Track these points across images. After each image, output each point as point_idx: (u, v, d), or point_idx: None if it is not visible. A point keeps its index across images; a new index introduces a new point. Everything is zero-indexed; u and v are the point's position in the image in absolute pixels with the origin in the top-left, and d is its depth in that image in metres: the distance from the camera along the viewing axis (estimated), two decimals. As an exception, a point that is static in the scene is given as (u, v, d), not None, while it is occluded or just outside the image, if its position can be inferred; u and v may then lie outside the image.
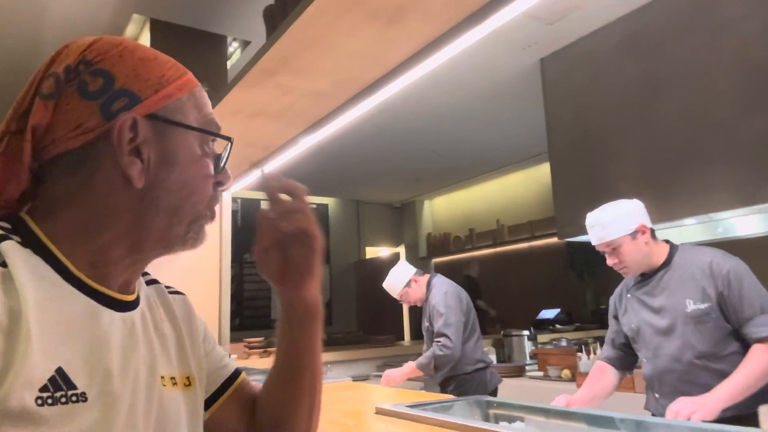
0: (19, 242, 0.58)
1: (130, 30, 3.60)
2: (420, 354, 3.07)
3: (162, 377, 0.67)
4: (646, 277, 1.96)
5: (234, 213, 6.87)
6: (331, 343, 5.22)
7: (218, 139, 0.72)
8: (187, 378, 0.71)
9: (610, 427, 1.38)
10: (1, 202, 0.62)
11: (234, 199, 7.10)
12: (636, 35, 3.15)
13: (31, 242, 0.59)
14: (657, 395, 1.89)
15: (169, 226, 0.66)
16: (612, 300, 2.16)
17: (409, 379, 3.07)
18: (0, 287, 0.52)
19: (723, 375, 1.73)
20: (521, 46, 3.62)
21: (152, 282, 0.76)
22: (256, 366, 3.74)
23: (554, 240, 5.05)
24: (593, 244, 1.98)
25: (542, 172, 6.24)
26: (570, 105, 3.55)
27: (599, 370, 2.08)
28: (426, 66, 1.86)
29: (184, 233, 0.67)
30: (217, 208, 0.73)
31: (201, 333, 0.79)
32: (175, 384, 0.69)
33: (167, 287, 0.78)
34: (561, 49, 3.64)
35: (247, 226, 7.57)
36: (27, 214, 0.62)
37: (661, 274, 1.90)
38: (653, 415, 1.93)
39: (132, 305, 0.67)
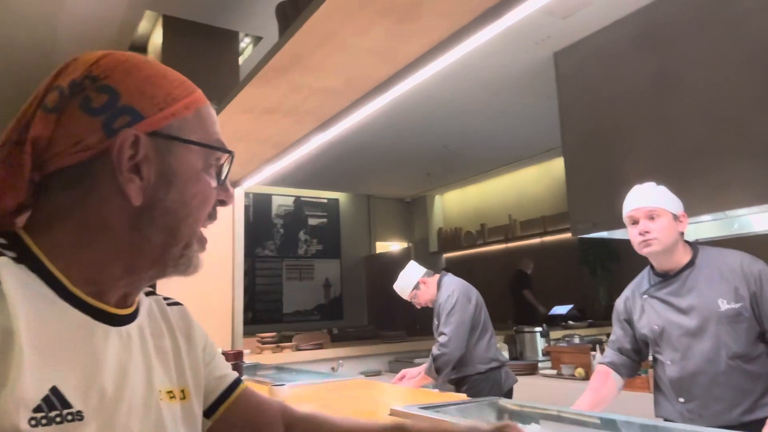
0: (13, 258, 0.57)
1: (143, 26, 3.61)
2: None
3: (160, 391, 0.66)
4: (667, 277, 1.89)
5: (246, 208, 6.94)
6: (341, 338, 5.24)
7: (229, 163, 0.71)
8: (182, 391, 0.71)
9: None
10: None
11: (246, 194, 7.14)
12: (650, 29, 3.11)
13: (26, 258, 0.58)
14: (682, 399, 1.81)
15: (165, 246, 0.65)
16: (620, 303, 2.08)
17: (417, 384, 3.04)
18: None
19: (755, 377, 1.70)
20: (534, 40, 3.58)
21: (151, 294, 0.76)
22: (269, 361, 3.76)
23: (567, 235, 5.02)
24: (633, 206, 1.91)
25: (555, 166, 6.20)
26: (584, 100, 3.51)
27: (603, 375, 2.02)
28: (439, 63, 1.84)
29: (179, 256, 0.66)
30: (225, 209, 0.72)
31: (200, 343, 0.78)
32: (172, 397, 0.68)
33: (165, 298, 0.78)
34: (574, 44, 3.60)
35: (259, 221, 7.61)
36: (23, 229, 0.62)
37: (686, 274, 1.85)
38: (666, 421, 1.86)
39: (129, 318, 0.66)
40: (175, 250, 0.65)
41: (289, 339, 4.54)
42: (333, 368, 3.94)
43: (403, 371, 3.01)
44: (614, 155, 3.27)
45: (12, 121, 0.62)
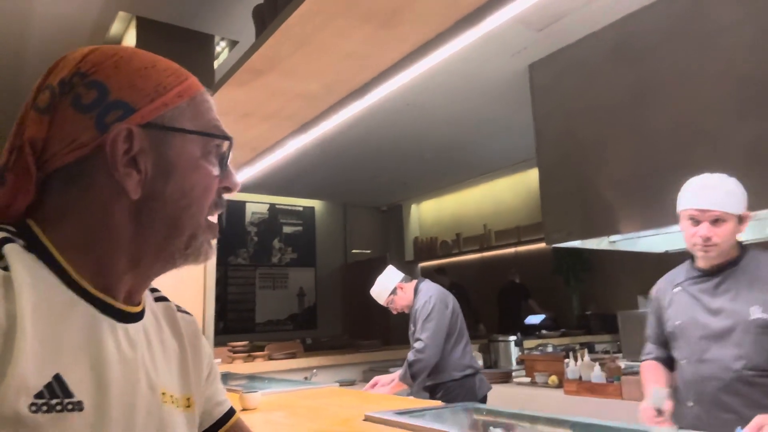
0: (23, 246, 0.57)
1: (115, 28, 3.54)
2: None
3: (163, 393, 0.65)
4: (706, 274, 1.79)
5: (219, 215, 6.84)
6: (316, 348, 5.18)
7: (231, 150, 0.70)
8: (187, 399, 0.70)
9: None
10: (8, 215, 0.61)
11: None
12: (625, 42, 3.17)
13: (35, 247, 0.58)
14: (690, 403, 1.74)
15: (168, 238, 0.64)
16: (654, 293, 1.96)
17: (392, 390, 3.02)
18: (1, 292, 0.52)
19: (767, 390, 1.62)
20: (510, 51, 3.62)
21: (162, 299, 0.75)
22: (240, 371, 3.69)
23: (541, 245, 5.07)
24: (697, 205, 1.75)
25: (530, 177, 6.26)
26: (559, 111, 3.56)
27: (654, 365, 1.90)
28: (417, 69, 1.85)
29: (184, 248, 0.65)
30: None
31: (206, 360, 0.77)
32: (173, 402, 0.67)
33: (177, 306, 0.77)
34: (550, 55, 3.65)
35: (232, 228, 7.50)
36: (32, 220, 0.62)
37: (726, 274, 1.74)
38: (679, 427, 1.74)
39: (136, 317, 0.66)
40: (178, 242, 0.65)
41: (261, 348, 4.47)
42: (306, 378, 3.89)
43: (376, 378, 2.98)
44: (588, 166, 3.32)
45: (13, 127, 0.62)
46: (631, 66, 3.11)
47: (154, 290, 0.75)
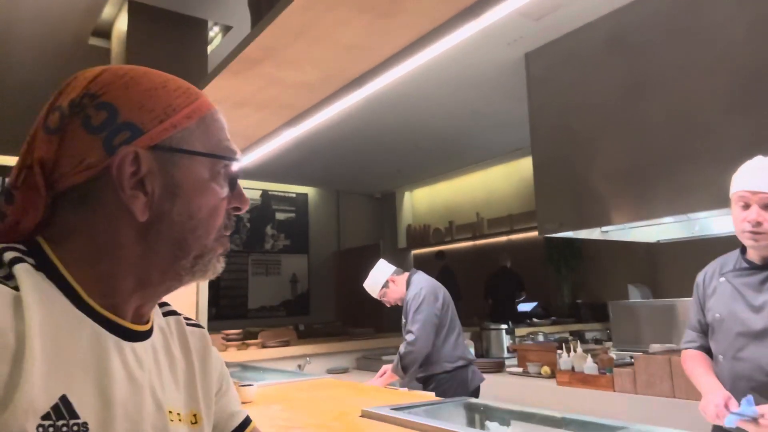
0: (33, 265, 0.58)
1: (107, 11, 3.48)
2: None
3: (170, 412, 0.65)
4: (754, 267, 1.68)
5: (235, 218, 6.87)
6: (308, 335, 5.19)
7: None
8: (194, 415, 0.70)
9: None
10: (18, 231, 0.62)
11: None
12: (621, 33, 3.16)
13: (44, 266, 0.59)
14: None
15: (175, 259, 0.64)
16: (699, 279, 1.84)
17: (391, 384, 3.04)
18: (11, 311, 0.52)
19: None
20: (506, 40, 3.59)
21: (171, 313, 0.75)
22: (234, 359, 3.70)
23: (533, 234, 5.09)
24: (749, 187, 1.64)
25: (523, 166, 6.27)
26: (554, 101, 3.55)
27: (700, 355, 1.79)
28: (415, 61, 1.83)
29: (191, 266, 0.65)
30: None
31: (215, 372, 0.77)
32: (180, 420, 0.67)
33: (186, 319, 0.77)
34: (546, 45, 3.63)
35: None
36: (42, 238, 0.62)
37: None
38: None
39: (144, 335, 0.66)
40: (184, 262, 0.65)
41: (254, 336, 4.47)
42: (300, 366, 3.90)
43: (385, 367, 3.02)
44: (582, 157, 3.32)
45: (24, 144, 0.63)
46: (626, 57, 3.11)
47: (163, 304, 0.75)
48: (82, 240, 0.61)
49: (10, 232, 0.61)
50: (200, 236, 0.65)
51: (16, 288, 0.54)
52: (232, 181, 0.68)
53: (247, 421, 0.82)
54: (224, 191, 0.67)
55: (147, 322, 0.67)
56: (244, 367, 3.23)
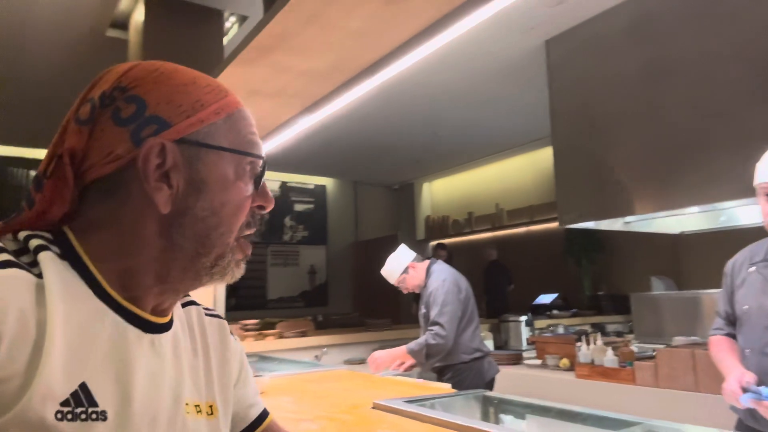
0: (57, 254, 0.59)
1: (124, 3, 3.49)
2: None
3: (186, 404, 0.66)
4: None
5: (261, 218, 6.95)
6: (326, 326, 5.20)
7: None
8: (210, 407, 0.70)
9: (615, 429, 1.34)
10: (45, 221, 0.62)
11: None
12: (643, 19, 3.07)
13: (69, 255, 0.60)
14: None
15: (196, 255, 0.64)
16: (729, 266, 1.78)
17: (404, 369, 3.02)
18: (33, 299, 0.53)
19: None
20: (525, 27, 3.52)
21: (190, 303, 0.76)
22: (252, 349, 3.71)
23: (553, 225, 5.01)
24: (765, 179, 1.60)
25: (543, 156, 6.18)
26: (574, 89, 3.47)
27: (726, 340, 1.73)
28: (428, 47, 1.78)
29: (211, 266, 0.65)
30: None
31: (235, 362, 0.77)
32: (199, 412, 0.68)
33: (205, 309, 0.77)
34: (566, 32, 3.55)
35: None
36: (68, 228, 0.63)
37: None
38: (740, 418, 1.65)
39: (164, 328, 0.66)
40: (206, 260, 0.65)
41: (272, 326, 4.48)
42: (317, 356, 3.90)
43: (374, 353, 2.96)
44: (603, 146, 3.25)
45: (55, 135, 0.64)
46: (648, 43, 3.02)
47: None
48: (106, 231, 0.62)
49: (37, 221, 0.62)
50: (223, 233, 0.65)
51: (40, 275, 0.55)
52: (257, 179, 0.68)
53: (264, 414, 0.82)
54: (249, 189, 0.67)
55: (167, 314, 0.68)
56: (260, 357, 3.24)
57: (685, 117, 2.82)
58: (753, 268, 1.67)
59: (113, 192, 0.62)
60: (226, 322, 0.79)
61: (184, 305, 0.74)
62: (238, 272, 0.68)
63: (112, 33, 3.76)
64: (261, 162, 0.68)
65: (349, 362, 4.13)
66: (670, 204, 2.89)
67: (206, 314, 0.76)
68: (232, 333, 0.80)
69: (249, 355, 3.23)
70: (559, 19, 3.41)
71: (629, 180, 3.09)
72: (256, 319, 4.81)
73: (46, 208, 0.62)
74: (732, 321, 1.76)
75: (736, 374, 1.55)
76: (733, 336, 1.75)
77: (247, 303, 7.31)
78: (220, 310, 3.33)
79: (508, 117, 5.33)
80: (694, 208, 2.93)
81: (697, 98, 2.77)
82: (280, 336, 4.25)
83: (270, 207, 0.69)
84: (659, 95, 2.94)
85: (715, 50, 2.70)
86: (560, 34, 3.59)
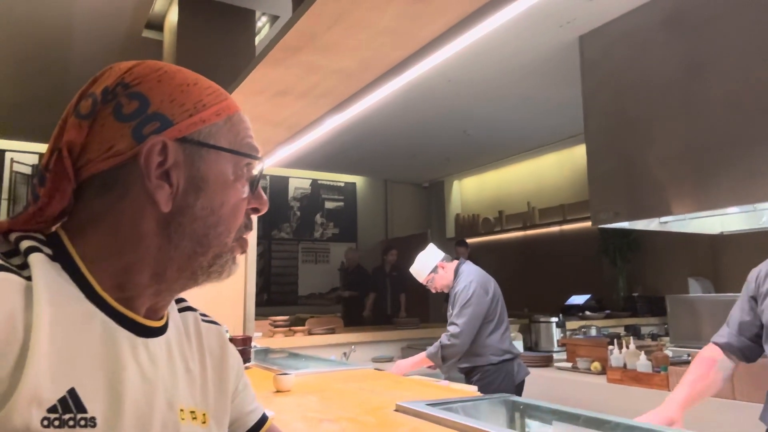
0: (49, 255, 0.58)
1: (159, 4, 3.56)
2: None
3: (181, 410, 0.65)
4: None
5: (263, 189, 7.02)
6: (355, 323, 5.22)
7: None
8: (203, 415, 0.69)
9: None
10: (43, 217, 0.62)
11: (263, 176, 7.16)
12: (679, 13, 2.97)
13: (61, 257, 0.59)
14: None
15: (193, 255, 0.64)
16: (753, 275, 1.70)
17: (429, 367, 3.02)
18: (21, 302, 0.52)
19: None
20: (559, 22, 3.46)
21: (187, 309, 0.75)
22: (281, 345, 3.75)
23: (587, 224, 4.91)
24: None
25: (576, 154, 6.07)
26: (609, 85, 3.39)
27: (706, 364, 1.64)
28: (458, 44, 1.76)
29: (208, 265, 0.65)
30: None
31: (233, 370, 0.76)
32: (194, 418, 0.67)
33: (202, 315, 0.77)
34: (601, 27, 3.47)
35: (275, 203, 7.60)
36: (62, 229, 0.63)
37: None
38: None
39: (158, 332, 0.65)
40: (202, 260, 0.64)
41: (302, 322, 4.52)
42: (345, 354, 3.92)
43: (398, 362, 3.02)
44: (638, 144, 3.16)
45: (55, 129, 0.64)
46: (685, 38, 2.92)
47: (179, 300, 0.74)
48: (102, 230, 0.61)
49: (36, 217, 0.62)
50: (221, 233, 0.65)
51: (29, 278, 0.54)
52: (253, 182, 0.69)
53: (264, 419, 0.81)
54: (246, 191, 0.68)
55: (161, 318, 0.67)
56: (290, 354, 3.27)
57: (725, 113, 2.72)
58: None
59: (110, 188, 0.61)
60: (224, 328, 0.78)
61: (181, 311, 0.73)
62: (234, 268, 0.68)
63: (148, 34, 3.84)
64: (258, 165, 0.69)
65: (376, 360, 4.14)
66: (709, 204, 2.80)
67: (203, 320, 0.75)
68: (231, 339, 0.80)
69: (278, 351, 3.25)
70: (593, 13, 3.33)
71: (666, 179, 3.00)
72: (288, 315, 4.85)
73: (45, 203, 0.61)
74: (743, 330, 1.66)
75: (660, 416, 1.50)
76: (734, 348, 1.66)
77: (278, 299, 7.41)
78: (250, 304, 3.37)
79: (540, 114, 5.24)
80: (734, 208, 2.83)
81: (737, 94, 2.67)
82: (309, 332, 4.28)
83: (264, 210, 0.70)
84: (697, 91, 2.85)
85: (754, 43, 2.60)
86: (595, 30, 3.51)
